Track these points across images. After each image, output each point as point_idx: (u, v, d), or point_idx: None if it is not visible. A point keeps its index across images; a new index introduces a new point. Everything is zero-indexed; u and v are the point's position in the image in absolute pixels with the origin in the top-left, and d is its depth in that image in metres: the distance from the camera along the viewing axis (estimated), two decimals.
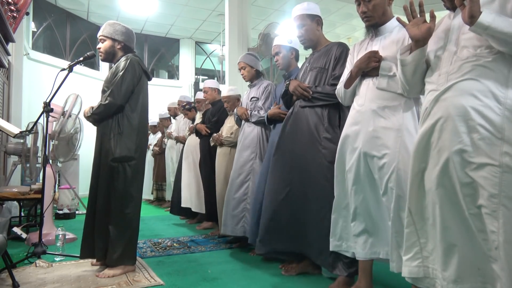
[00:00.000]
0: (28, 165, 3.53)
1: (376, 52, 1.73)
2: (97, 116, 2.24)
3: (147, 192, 6.24)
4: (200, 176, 3.83)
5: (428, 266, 1.40)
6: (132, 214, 2.24)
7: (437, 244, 1.34)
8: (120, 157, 2.19)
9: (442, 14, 1.50)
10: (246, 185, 2.80)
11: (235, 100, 3.29)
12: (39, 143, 3.79)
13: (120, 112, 2.23)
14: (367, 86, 1.77)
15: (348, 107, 2.01)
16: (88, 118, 2.30)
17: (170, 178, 5.15)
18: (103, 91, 2.26)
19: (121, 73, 2.21)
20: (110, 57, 2.36)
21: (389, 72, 1.68)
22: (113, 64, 2.36)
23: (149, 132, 6.66)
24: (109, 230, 2.19)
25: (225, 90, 3.33)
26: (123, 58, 2.29)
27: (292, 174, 2.19)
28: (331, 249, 1.89)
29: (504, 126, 1.21)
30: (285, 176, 2.21)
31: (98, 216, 2.21)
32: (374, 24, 1.79)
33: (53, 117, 3.41)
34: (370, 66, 1.73)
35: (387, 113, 1.68)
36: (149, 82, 2.46)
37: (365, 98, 1.75)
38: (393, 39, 1.74)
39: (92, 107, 2.26)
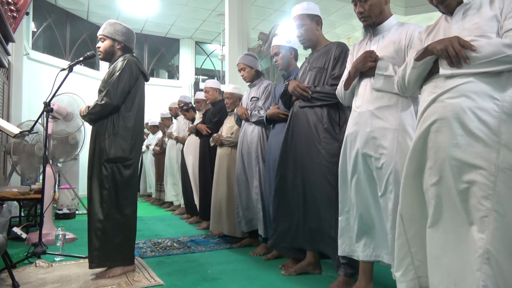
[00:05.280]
0: (20, 164, 3.55)
1: (372, 52, 1.73)
2: (92, 116, 2.24)
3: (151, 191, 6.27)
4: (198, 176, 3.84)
5: (421, 276, 1.40)
6: (128, 215, 2.23)
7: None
8: (114, 158, 2.18)
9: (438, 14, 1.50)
10: (256, 185, 2.81)
11: (237, 99, 3.28)
12: (32, 140, 3.80)
13: (116, 112, 2.22)
14: (365, 87, 1.76)
15: (348, 107, 2.01)
16: (84, 117, 2.30)
17: (168, 178, 5.15)
18: (100, 91, 2.26)
19: (117, 73, 2.21)
20: (109, 56, 2.36)
21: (385, 71, 1.68)
22: (111, 64, 2.35)
23: (149, 132, 6.65)
24: (106, 231, 2.18)
25: (230, 87, 3.32)
26: (120, 59, 2.28)
27: (293, 174, 2.19)
28: (339, 253, 1.87)
29: (500, 130, 1.19)
30: (287, 176, 2.22)
31: (94, 217, 2.20)
32: (372, 24, 1.79)
33: (54, 117, 3.42)
34: (367, 66, 1.73)
35: (384, 114, 1.68)
36: (149, 82, 2.46)
37: (363, 99, 1.75)
38: (390, 39, 1.74)
39: (88, 107, 2.26)
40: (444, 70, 1.31)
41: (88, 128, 3.45)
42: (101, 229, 2.18)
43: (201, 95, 4.17)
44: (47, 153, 2.68)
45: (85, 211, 2.30)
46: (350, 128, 1.80)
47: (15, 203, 3.59)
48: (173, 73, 9.15)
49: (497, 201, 1.16)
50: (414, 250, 1.39)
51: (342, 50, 2.13)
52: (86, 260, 2.36)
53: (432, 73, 1.39)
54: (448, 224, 1.28)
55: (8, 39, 2.67)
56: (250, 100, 2.96)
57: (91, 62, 7.56)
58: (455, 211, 1.26)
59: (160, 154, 5.69)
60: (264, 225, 2.69)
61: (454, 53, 1.25)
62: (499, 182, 1.17)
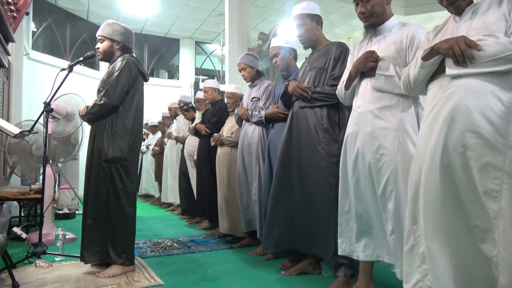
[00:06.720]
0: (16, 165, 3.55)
1: (373, 52, 1.73)
2: (91, 116, 2.24)
3: (153, 189, 6.27)
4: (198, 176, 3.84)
5: None
6: (127, 215, 2.23)
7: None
8: (113, 158, 2.18)
9: (442, 14, 1.49)
10: (255, 186, 2.80)
11: (238, 99, 3.28)
12: (30, 140, 3.80)
13: (114, 112, 2.22)
14: (366, 87, 1.76)
15: (348, 107, 2.00)
16: (82, 117, 2.30)
17: (168, 178, 5.15)
18: (99, 91, 2.26)
19: (116, 74, 2.21)
20: (108, 57, 2.36)
21: (386, 71, 1.67)
22: (110, 64, 2.35)
23: (148, 132, 6.65)
24: (104, 232, 2.18)
25: (231, 87, 3.32)
26: (119, 59, 2.28)
27: (293, 175, 2.19)
28: (339, 253, 1.87)
29: (508, 131, 1.18)
30: (287, 177, 2.22)
31: (92, 217, 2.20)
32: (373, 24, 1.78)
33: (54, 117, 3.42)
34: (368, 66, 1.73)
35: (385, 114, 1.67)
36: (149, 82, 2.45)
37: (363, 99, 1.75)
38: (392, 39, 1.74)
39: (87, 106, 2.27)
40: (450, 70, 1.29)
41: (87, 127, 3.46)
42: (100, 230, 2.18)
43: (202, 95, 4.18)
44: (47, 153, 2.67)
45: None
46: (350, 128, 1.79)
47: (15, 203, 3.59)
48: (173, 73, 9.15)
49: (504, 204, 1.15)
50: (426, 268, 1.34)
51: (342, 50, 2.13)
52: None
53: (438, 72, 1.37)
54: (451, 230, 1.26)
55: (8, 39, 2.66)
56: (251, 101, 2.96)
57: (91, 62, 7.56)
58: (459, 214, 1.25)
59: (159, 154, 5.69)
60: (260, 227, 2.67)
61: (460, 52, 1.24)
62: (505, 185, 1.16)
